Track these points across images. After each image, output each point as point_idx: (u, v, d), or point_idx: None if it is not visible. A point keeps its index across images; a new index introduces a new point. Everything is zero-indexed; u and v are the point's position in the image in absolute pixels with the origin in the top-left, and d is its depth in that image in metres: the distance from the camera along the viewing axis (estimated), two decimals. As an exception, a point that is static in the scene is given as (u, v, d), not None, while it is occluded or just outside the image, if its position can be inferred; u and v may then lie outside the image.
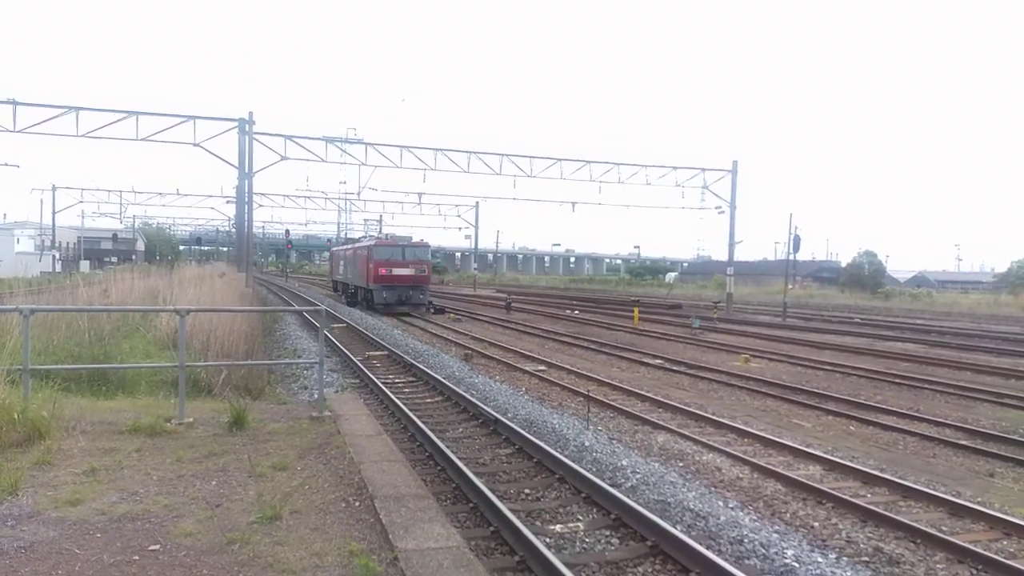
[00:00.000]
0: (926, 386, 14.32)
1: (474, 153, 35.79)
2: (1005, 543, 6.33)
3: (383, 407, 10.69)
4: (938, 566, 5.75)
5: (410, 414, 9.50)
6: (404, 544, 4.31)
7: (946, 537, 6.18)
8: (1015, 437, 9.95)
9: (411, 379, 13.31)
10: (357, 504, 5.02)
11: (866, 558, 5.84)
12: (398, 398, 10.70)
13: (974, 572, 5.67)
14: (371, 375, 12.78)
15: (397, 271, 30.06)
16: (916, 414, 11.41)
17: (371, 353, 16.26)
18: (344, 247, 42.72)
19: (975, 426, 10.68)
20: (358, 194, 50.34)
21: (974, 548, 5.94)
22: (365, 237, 45.59)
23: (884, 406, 12.00)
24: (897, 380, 15.01)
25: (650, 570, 5.32)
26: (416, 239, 35.15)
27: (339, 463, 5.95)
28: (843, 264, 78.61)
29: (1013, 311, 43.49)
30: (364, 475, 5.63)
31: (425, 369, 13.50)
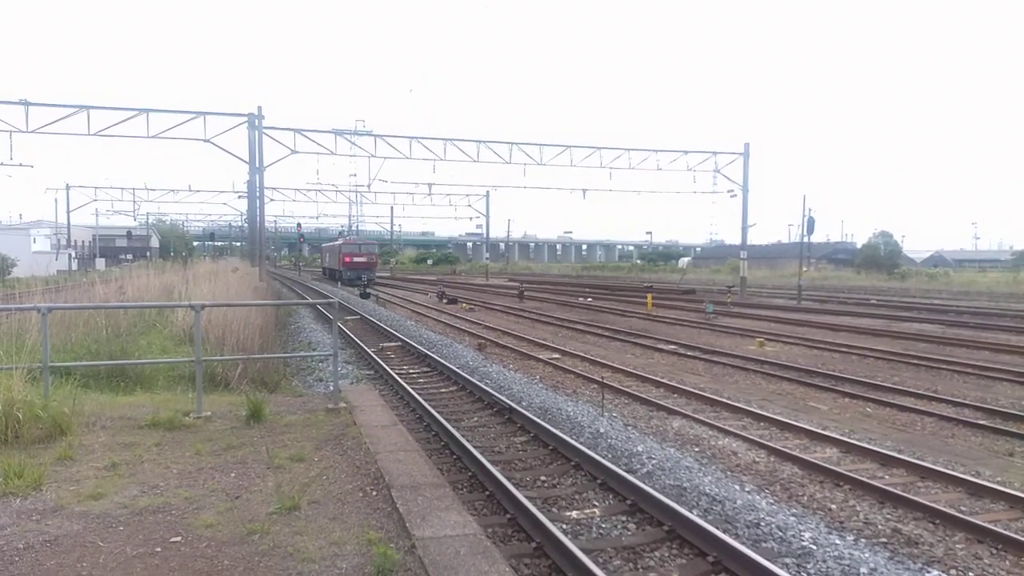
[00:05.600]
0: (944, 366, 14.19)
1: (483, 142, 35.73)
2: (1025, 522, 6.28)
3: (398, 397, 10.75)
4: (957, 546, 5.72)
5: (425, 404, 9.54)
6: (421, 532, 4.34)
7: (965, 517, 6.14)
8: (1035, 416, 9.86)
9: (425, 369, 13.37)
10: (374, 494, 5.06)
11: (884, 539, 5.82)
12: (413, 388, 10.76)
13: (994, 552, 5.64)
14: (385, 366, 12.84)
15: (356, 259, 48.19)
16: (934, 395, 11.32)
17: (385, 344, 16.33)
18: (327, 245, 63.92)
19: (994, 406, 10.58)
20: (368, 186, 50.66)
21: (994, 528, 5.90)
22: (339, 238, 64.27)
23: (901, 387, 11.91)
24: (914, 361, 14.89)
25: (667, 554, 5.33)
26: (370, 240, 61.13)
27: (355, 454, 6.00)
28: (858, 245, 77.93)
29: (1032, 289, 42.88)
30: (380, 465, 5.67)
31: (439, 359, 13.55)
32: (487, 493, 6.46)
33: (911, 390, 11.66)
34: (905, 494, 6.69)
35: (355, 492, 5.08)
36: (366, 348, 15.13)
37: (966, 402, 10.78)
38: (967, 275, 60.26)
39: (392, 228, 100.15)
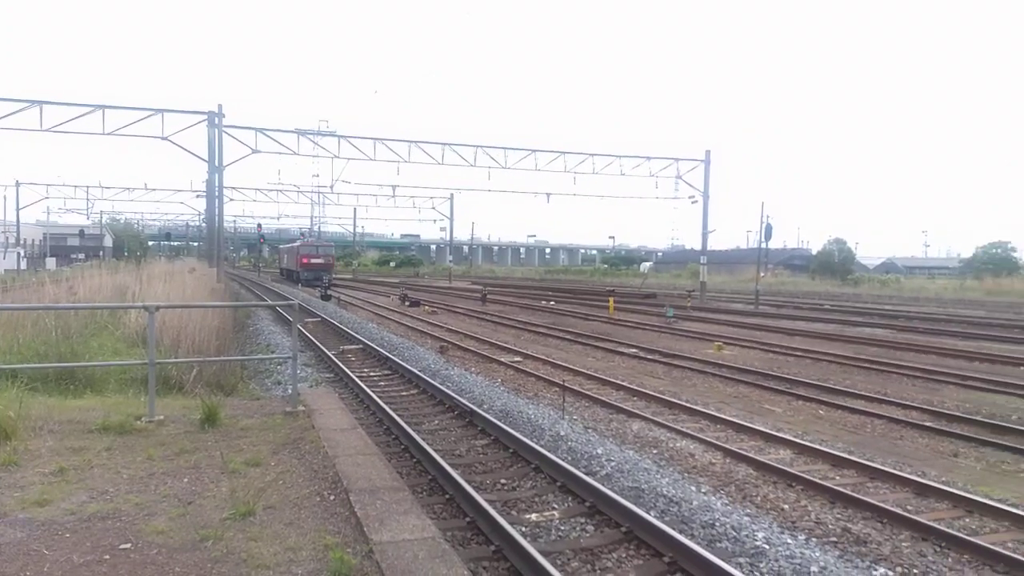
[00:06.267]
0: (893, 370, 14.63)
1: (448, 145, 35.72)
2: (967, 520, 6.52)
3: (358, 401, 10.66)
4: (903, 544, 5.90)
5: (385, 407, 9.48)
6: (379, 536, 4.31)
7: (911, 516, 6.34)
8: (978, 418, 10.24)
9: (386, 372, 13.28)
10: (332, 498, 5.01)
11: (834, 539, 5.97)
12: (373, 391, 10.68)
13: (938, 549, 5.83)
14: (346, 369, 12.72)
15: (313, 260, 50.52)
16: (884, 397, 11.66)
17: (345, 347, 16.17)
18: (286, 246, 65.13)
19: (940, 408, 10.94)
20: (331, 187, 50.28)
21: (938, 526, 6.10)
22: (297, 240, 63.83)
23: (853, 390, 12.25)
24: (865, 365, 15.32)
25: (624, 555, 5.40)
26: (328, 241, 60.88)
27: (313, 458, 5.93)
28: (814, 251, 79.84)
29: (978, 295, 44.61)
30: (339, 469, 5.61)
31: (400, 362, 13.47)
32: (447, 496, 6.45)
33: (862, 393, 11.99)
34: (855, 494, 6.88)
35: (312, 497, 5.02)
36: (326, 351, 14.96)
37: (914, 404, 11.13)
38: (917, 281, 62.34)
39: (355, 230, 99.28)
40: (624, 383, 12.55)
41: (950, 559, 5.67)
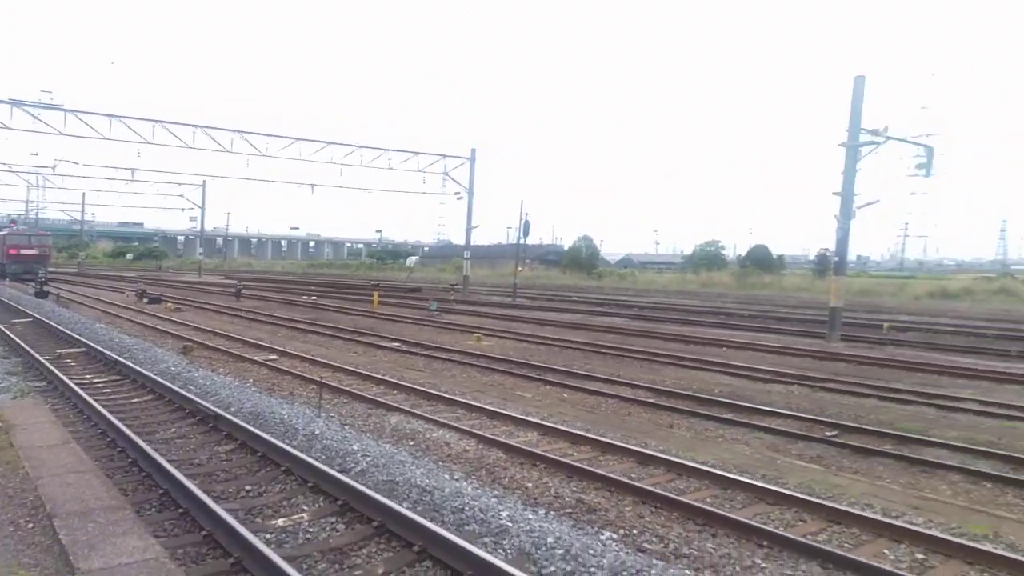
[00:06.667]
0: (626, 354, 16.41)
1: (200, 127, 32.86)
2: (678, 483, 7.49)
3: (76, 412, 9.32)
4: (626, 509, 6.63)
5: (110, 417, 8.40)
6: (88, 564, 3.81)
7: (633, 483, 7.14)
8: (690, 393, 11.87)
9: (115, 378, 11.79)
10: (30, 526, 4.33)
11: (570, 510, 6.52)
12: (96, 400, 9.41)
13: (654, 510, 6.63)
14: (62, 376, 11.04)
15: (24, 251, 44.55)
16: (617, 379, 13.02)
17: (64, 351, 14.07)
18: None
19: (661, 386, 12.49)
20: (53, 168, 43.65)
21: (654, 489, 6.94)
22: (4, 228, 56.22)
23: (592, 374, 13.50)
24: (603, 350, 16.98)
25: (375, 550, 5.37)
26: (44, 230, 55.51)
27: (8, 481, 5.08)
28: (566, 248, 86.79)
29: (695, 287, 51.97)
30: (41, 491, 4.87)
31: (133, 366, 12.05)
32: (181, 511, 5.89)
33: (599, 376, 13.27)
34: (589, 468, 7.57)
35: (4, 527, 4.30)
36: (38, 356, 12.88)
37: (641, 384, 12.57)
38: (649, 275, 70.78)
39: (83, 217, 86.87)
40: (385, 377, 12.51)
41: (663, 517, 6.48)
